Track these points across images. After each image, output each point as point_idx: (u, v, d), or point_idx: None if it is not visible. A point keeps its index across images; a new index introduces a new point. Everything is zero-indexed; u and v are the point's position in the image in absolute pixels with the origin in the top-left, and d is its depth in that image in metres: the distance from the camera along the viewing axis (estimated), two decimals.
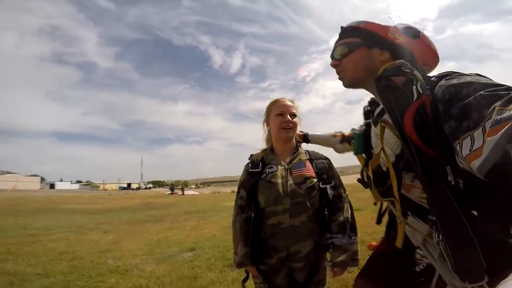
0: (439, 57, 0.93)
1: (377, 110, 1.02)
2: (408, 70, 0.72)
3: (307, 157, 1.45)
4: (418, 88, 0.69)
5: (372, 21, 0.94)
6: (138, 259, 3.84)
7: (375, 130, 0.99)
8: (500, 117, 0.45)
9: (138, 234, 5.97)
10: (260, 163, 1.43)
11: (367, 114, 1.12)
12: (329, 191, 1.33)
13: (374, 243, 1.14)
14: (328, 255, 1.38)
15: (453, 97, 0.61)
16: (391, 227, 1.07)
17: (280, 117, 1.41)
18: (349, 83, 0.98)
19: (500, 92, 0.52)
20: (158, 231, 6.26)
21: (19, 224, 7.09)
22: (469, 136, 0.53)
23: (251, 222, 1.33)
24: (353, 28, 0.95)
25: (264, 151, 1.52)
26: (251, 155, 1.55)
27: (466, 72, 0.69)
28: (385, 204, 1.10)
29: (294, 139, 1.50)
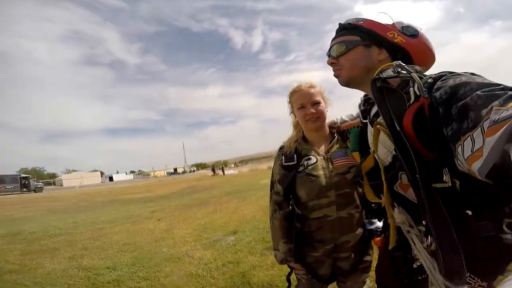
0: (435, 57, 0.92)
1: (373, 110, 1.01)
2: (406, 72, 0.71)
3: (346, 144, 1.34)
4: (415, 90, 0.69)
5: (371, 18, 0.92)
6: (188, 245, 4.29)
7: (371, 130, 0.99)
8: (498, 116, 0.46)
9: (187, 220, 6.53)
10: (295, 155, 1.33)
11: (364, 113, 1.11)
12: None
13: (378, 238, 1.17)
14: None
15: (450, 98, 0.61)
16: (387, 226, 1.07)
17: (302, 110, 1.30)
18: (345, 82, 0.97)
19: (497, 92, 0.52)
20: (204, 215, 6.80)
21: (89, 219, 8.14)
22: (469, 137, 0.53)
23: (294, 218, 1.30)
24: (352, 26, 0.94)
25: (295, 141, 1.39)
26: (282, 147, 1.44)
27: (461, 72, 0.69)
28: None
29: (326, 125, 1.38)
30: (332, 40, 1.00)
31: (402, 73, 0.72)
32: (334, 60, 0.98)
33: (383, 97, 0.74)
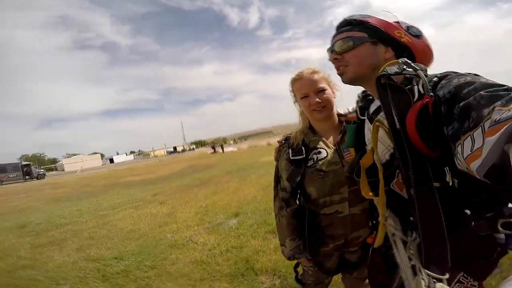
0: (433, 56, 0.92)
1: (372, 107, 1.02)
2: (412, 69, 0.71)
3: None
4: (420, 88, 0.70)
5: (378, 16, 0.92)
6: (191, 230, 4.38)
7: (369, 127, 0.99)
8: (499, 117, 0.46)
9: (189, 202, 6.64)
10: (303, 148, 1.24)
11: (362, 109, 1.10)
12: None
13: (371, 236, 1.17)
14: None
15: (453, 97, 0.61)
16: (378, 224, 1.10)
17: (306, 100, 1.20)
18: (350, 80, 0.95)
19: (500, 92, 0.52)
20: (205, 197, 6.90)
21: (92, 205, 8.27)
22: (469, 137, 0.53)
23: (303, 214, 1.25)
24: (359, 22, 0.92)
25: (301, 131, 1.30)
26: (287, 138, 1.34)
27: (465, 72, 0.69)
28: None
29: (335, 113, 1.28)
30: (335, 35, 0.96)
31: (408, 70, 0.72)
32: (338, 56, 0.94)
33: (387, 95, 0.73)
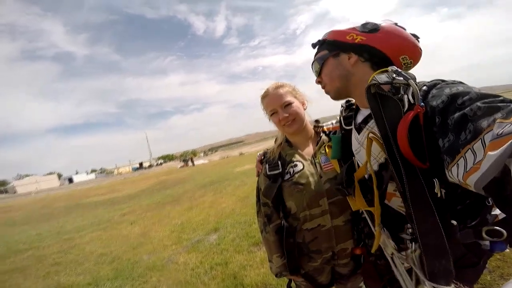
0: (414, 43, 0.87)
1: (360, 117, 1.00)
2: (402, 78, 0.70)
3: None
4: (410, 97, 0.68)
5: (336, 28, 0.94)
6: (169, 250, 4.21)
7: (357, 137, 0.98)
8: (502, 130, 0.45)
9: (162, 220, 6.39)
10: (279, 162, 1.23)
11: (346, 119, 1.10)
12: None
13: (358, 249, 1.19)
14: None
15: (447, 107, 0.60)
16: (368, 236, 1.10)
17: (275, 116, 1.22)
18: (334, 96, 0.99)
19: (498, 104, 0.52)
20: (179, 214, 6.67)
21: (54, 229, 7.63)
22: (469, 150, 0.52)
23: (283, 231, 1.21)
24: (320, 42, 0.98)
25: (279, 145, 1.31)
26: (265, 153, 1.35)
27: (453, 80, 0.70)
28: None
29: (308, 122, 1.28)
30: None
31: (398, 79, 0.70)
32: (319, 79, 1.01)
33: (378, 105, 0.73)
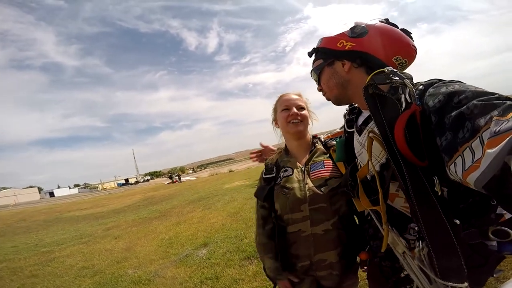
0: (406, 41, 0.87)
1: (361, 119, 1.02)
2: (398, 78, 0.71)
3: (328, 155, 1.29)
4: (407, 96, 0.69)
5: (327, 36, 0.95)
6: (156, 264, 4.02)
7: (358, 139, 1.00)
8: (499, 128, 0.45)
9: (148, 235, 6.15)
10: (275, 167, 1.32)
11: (349, 122, 1.11)
12: None
13: (364, 253, 1.11)
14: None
15: (444, 106, 0.61)
16: (372, 238, 1.10)
17: (286, 111, 1.29)
18: (335, 103, 1.02)
19: (494, 102, 0.52)
20: (166, 229, 6.44)
21: (31, 241, 7.21)
22: (467, 148, 0.53)
23: (275, 229, 1.26)
24: (314, 51, 1.00)
25: (278, 153, 1.40)
26: (266, 159, 1.44)
27: (450, 80, 0.70)
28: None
29: (308, 134, 1.36)
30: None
31: (394, 79, 0.71)
32: (319, 87, 1.04)
33: (376, 105, 0.74)
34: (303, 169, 1.26)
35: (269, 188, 1.26)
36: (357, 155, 1.04)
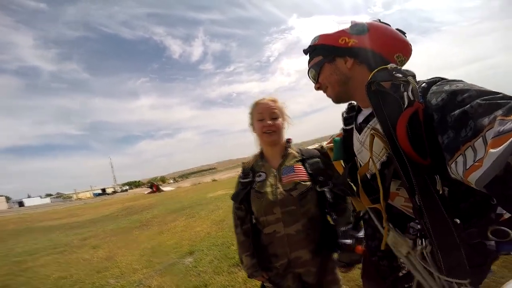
0: (404, 39, 0.88)
1: (361, 117, 1.00)
2: (401, 75, 0.70)
3: (299, 158, 1.36)
4: (409, 94, 0.67)
5: (324, 33, 0.94)
6: (140, 273, 3.89)
7: (358, 137, 0.98)
8: (503, 128, 0.45)
9: (129, 244, 5.93)
10: (250, 172, 1.38)
11: (347, 120, 1.11)
12: (328, 195, 1.24)
13: (360, 247, 1.17)
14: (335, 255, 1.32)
15: (447, 104, 0.61)
16: (370, 238, 1.11)
17: (260, 122, 1.35)
18: (336, 100, 1.00)
19: (498, 101, 0.51)
20: (148, 238, 6.24)
21: (0, 251, 6.71)
22: (470, 147, 0.52)
23: (251, 231, 1.35)
24: (312, 48, 0.98)
25: (255, 156, 1.46)
26: (243, 163, 1.49)
27: (453, 78, 0.70)
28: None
29: (282, 140, 1.42)
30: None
31: (398, 76, 0.70)
32: (318, 85, 1.01)
33: (378, 102, 0.73)
34: (275, 173, 1.34)
35: (246, 192, 1.34)
36: (356, 153, 1.03)
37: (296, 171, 1.30)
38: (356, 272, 2.50)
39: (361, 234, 1.18)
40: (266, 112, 1.34)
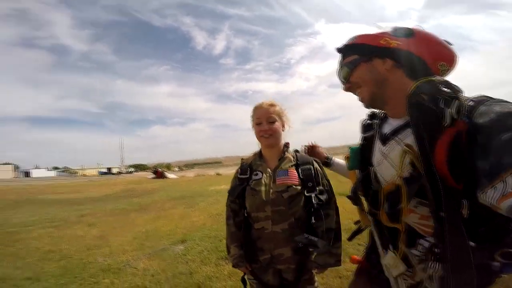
0: (451, 49, 0.84)
1: (387, 127, 0.94)
2: (450, 90, 0.66)
3: (294, 163, 1.43)
4: (453, 111, 0.62)
5: (364, 32, 0.90)
6: (129, 255, 3.83)
7: (381, 148, 0.92)
8: None
9: (125, 226, 5.89)
10: (248, 169, 1.46)
11: (367, 127, 1.07)
12: (314, 200, 1.32)
13: (356, 257, 1.19)
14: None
15: (495, 126, 0.57)
16: (372, 250, 1.07)
17: (258, 126, 1.43)
18: (369, 102, 0.94)
19: None
20: (145, 222, 6.20)
21: None
22: (511, 175, 0.51)
23: (243, 224, 1.40)
24: (348, 47, 0.93)
25: (253, 155, 1.54)
26: (242, 159, 1.57)
27: (501, 98, 0.66)
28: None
29: (280, 143, 1.49)
30: (338, 66, 0.98)
31: (445, 91, 0.66)
32: (347, 85, 0.96)
33: (419, 117, 0.69)
34: (271, 174, 1.41)
35: (242, 188, 1.41)
36: (375, 164, 0.97)
37: (290, 175, 1.38)
38: (337, 282, 2.47)
39: (332, 246, 1.32)
40: (264, 117, 1.42)
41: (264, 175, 1.41)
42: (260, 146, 1.53)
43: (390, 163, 0.86)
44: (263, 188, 1.36)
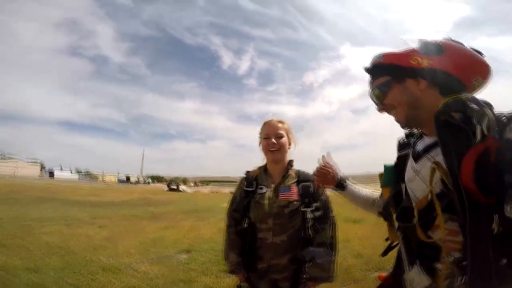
0: (483, 60, 0.80)
1: (421, 144, 0.92)
2: (477, 107, 0.64)
3: (296, 180, 1.50)
4: (484, 128, 0.62)
5: (390, 51, 0.88)
6: (132, 258, 3.78)
7: (414, 165, 0.90)
8: None
9: (134, 232, 5.91)
10: (254, 182, 1.52)
11: (403, 146, 1.04)
12: (309, 215, 1.38)
13: (383, 274, 1.13)
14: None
15: None
16: (398, 266, 1.02)
17: (266, 140, 1.51)
18: (405, 124, 0.92)
19: None
20: (154, 230, 6.19)
21: (14, 214, 7.04)
22: None
23: (247, 234, 1.44)
24: (376, 66, 0.91)
25: (260, 168, 1.60)
26: (247, 172, 1.62)
27: None
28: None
29: (285, 159, 1.56)
30: (369, 86, 0.96)
31: (472, 107, 0.65)
32: (382, 106, 0.93)
33: (447, 136, 0.68)
34: (274, 189, 1.48)
35: (248, 201, 1.47)
36: (406, 181, 0.95)
37: (291, 191, 1.45)
38: None
39: (327, 259, 1.36)
40: (272, 132, 1.50)
41: (268, 189, 1.48)
42: (265, 161, 1.59)
43: (422, 180, 0.84)
44: (266, 202, 1.44)
